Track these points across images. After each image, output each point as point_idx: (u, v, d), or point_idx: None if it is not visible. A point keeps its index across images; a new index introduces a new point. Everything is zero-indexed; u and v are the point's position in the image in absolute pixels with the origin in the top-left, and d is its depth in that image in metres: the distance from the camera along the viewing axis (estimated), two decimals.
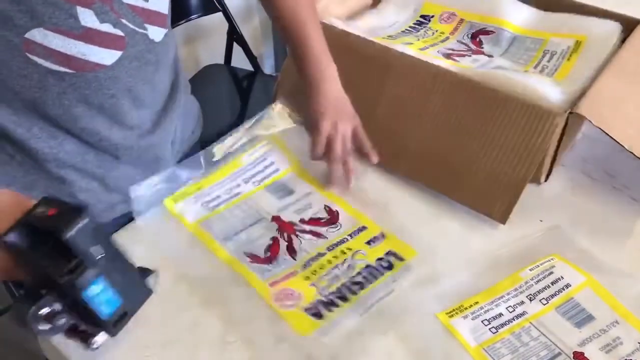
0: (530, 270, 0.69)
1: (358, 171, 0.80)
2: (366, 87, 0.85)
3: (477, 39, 0.96)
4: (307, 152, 0.80)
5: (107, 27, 0.63)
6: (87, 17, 0.61)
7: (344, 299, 0.66)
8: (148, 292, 0.59)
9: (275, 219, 0.75)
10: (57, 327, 0.54)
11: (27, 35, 0.59)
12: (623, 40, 0.86)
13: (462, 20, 0.99)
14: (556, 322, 0.63)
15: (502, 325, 0.63)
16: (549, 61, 0.88)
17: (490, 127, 0.76)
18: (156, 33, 0.70)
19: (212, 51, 1.71)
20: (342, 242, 0.72)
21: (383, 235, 0.73)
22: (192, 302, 0.67)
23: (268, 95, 0.98)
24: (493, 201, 0.75)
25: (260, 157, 0.84)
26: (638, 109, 0.78)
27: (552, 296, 0.66)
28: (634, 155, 0.72)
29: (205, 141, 0.74)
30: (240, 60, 1.64)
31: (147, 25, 0.68)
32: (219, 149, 0.82)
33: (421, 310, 0.65)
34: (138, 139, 0.75)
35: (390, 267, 0.69)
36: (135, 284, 0.58)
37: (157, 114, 0.77)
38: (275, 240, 0.73)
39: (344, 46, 0.88)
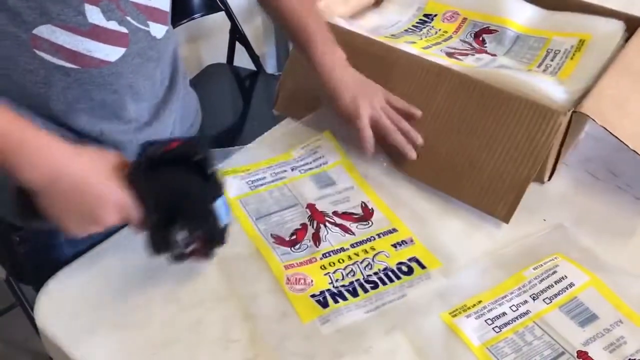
0: (534, 269, 0.69)
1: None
2: None
3: (480, 38, 0.96)
4: (357, 146, 0.80)
5: (112, 25, 0.64)
6: (94, 15, 0.62)
7: (354, 294, 0.66)
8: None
9: (309, 206, 0.77)
10: (186, 251, 0.61)
11: (35, 32, 0.60)
12: (627, 39, 0.86)
13: (465, 19, 0.99)
14: (560, 322, 0.63)
15: (506, 324, 0.63)
16: (552, 60, 0.88)
17: (494, 126, 0.76)
18: (158, 30, 0.71)
19: (214, 50, 1.71)
20: (368, 240, 0.73)
21: (412, 241, 0.73)
22: (201, 296, 0.67)
23: (270, 94, 0.98)
24: (496, 200, 0.75)
25: (311, 150, 0.86)
26: None
27: (556, 295, 0.66)
28: (638, 154, 0.72)
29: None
30: (242, 60, 1.64)
31: (149, 23, 0.69)
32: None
33: (424, 309, 0.65)
34: (136, 132, 0.75)
35: (409, 272, 0.69)
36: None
37: (155, 107, 0.78)
38: (303, 226, 0.74)
39: (347, 45, 0.88)
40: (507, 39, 0.94)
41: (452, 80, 0.79)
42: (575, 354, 0.60)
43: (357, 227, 0.75)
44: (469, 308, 0.65)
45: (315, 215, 0.76)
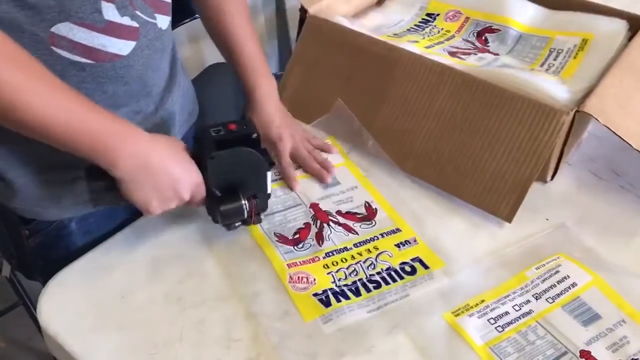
0: (537, 269, 0.69)
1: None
2: (372, 85, 0.85)
3: (483, 37, 0.95)
4: (359, 147, 0.85)
5: (126, 20, 0.66)
6: (110, 11, 0.64)
7: (356, 293, 0.66)
8: None
9: (313, 205, 0.77)
10: (246, 217, 0.69)
11: (53, 29, 0.61)
12: (630, 39, 0.86)
13: (467, 19, 0.99)
14: (563, 321, 0.63)
15: (509, 323, 0.63)
16: (555, 59, 0.88)
17: (497, 126, 0.76)
18: (163, 21, 0.73)
19: (216, 50, 1.70)
20: (372, 240, 0.73)
21: (415, 241, 0.73)
22: (204, 295, 0.67)
23: None
24: (499, 200, 0.75)
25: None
26: None
27: (559, 295, 0.66)
28: None
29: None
30: None
31: (156, 15, 0.71)
32: None
33: (427, 309, 0.65)
34: (143, 121, 0.77)
35: (412, 272, 0.69)
36: None
37: (160, 95, 0.79)
38: (307, 225, 0.75)
39: (349, 44, 0.88)
40: (509, 38, 0.94)
41: (454, 80, 0.79)
42: (578, 354, 0.60)
43: (360, 226, 0.75)
44: (471, 307, 0.65)
45: (319, 215, 0.76)
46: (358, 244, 0.72)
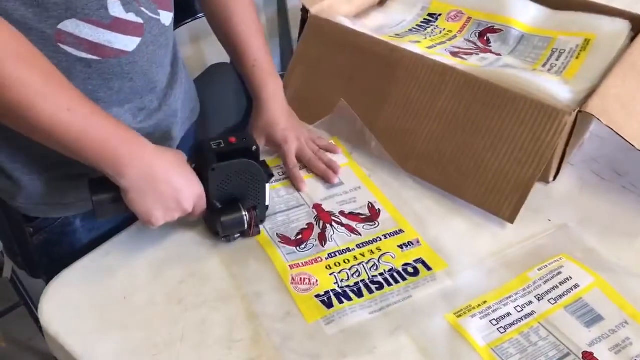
0: (539, 270, 0.69)
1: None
2: (373, 86, 0.85)
3: (485, 37, 0.95)
4: (362, 148, 0.85)
5: (131, 16, 0.66)
6: (116, 8, 0.64)
7: (358, 294, 0.66)
8: None
9: (316, 206, 0.77)
10: (246, 229, 0.70)
11: (60, 26, 0.61)
12: (632, 39, 0.86)
13: (469, 19, 0.98)
14: (565, 322, 0.63)
15: (511, 325, 0.63)
16: (557, 60, 0.88)
17: (499, 126, 0.76)
18: (166, 17, 0.73)
19: (218, 50, 1.70)
20: (374, 241, 0.73)
21: (418, 242, 0.73)
22: (205, 295, 0.67)
23: None
24: (501, 200, 0.75)
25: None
26: None
27: (561, 296, 0.66)
28: None
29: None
30: None
31: (159, 11, 0.71)
32: None
33: (429, 310, 0.65)
34: (147, 118, 0.77)
35: (415, 273, 0.69)
36: None
37: (163, 92, 0.79)
38: (310, 225, 0.75)
39: (351, 45, 0.88)
40: (511, 39, 0.94)
41: (456, 80, 0.79)
42: (581, 355, 0.60)
43: (363, 227, 0.75)
44: (473, 308, 0.65)
45: (322, 216, 0.76)
46: (361, 245, 0.72)
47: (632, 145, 0.71)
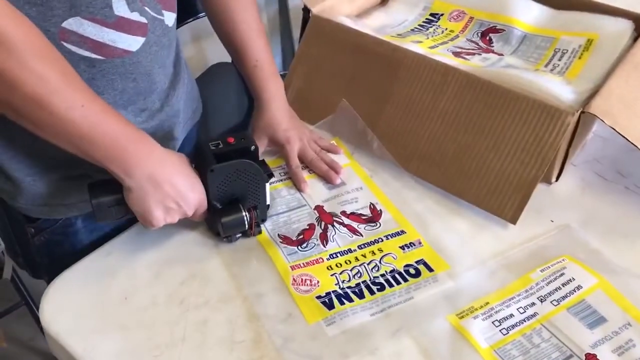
0: (541, 271, 0.68)
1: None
2: (375, 86, 0.85)
3: (487, 37, 0.95)
4: (363, 148, 0.85)
5: (135, 16, 0.66)
6: (120, 6, 0.64)
7: (360, 295, 0.66)
8: None
9: (318, 207, 0.77)
10: (247, 229, 0.70)
11: (64, 25, 0.61)
12: (635, 39, 0.86)
13: (471, 19, 0.98)
14: (568, 324, 0.63)
15: (513, 326, 0.63)
16: (560, 60, 0.87)
17: (501, 126, 0.75)
18: (170, 18, 0.73)
19: (219, 49, 1.70)
20: (376, 241, 0.73)
21: (420, 243, 0.72)
22: (207, 296, 0.67)
23: None
24: (503, 201, 0.74)
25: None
26: None
27: (564, 298, 0.65)
28: None
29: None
30: None
31: (163, 12, 0.71)
32: None
33: (431, 311, 0.65)
34: (149, 118, 0.77)
35: (416, 275, 0.68)
36: None
37: (165, 92, 0.79)
38: (311, 225, 0.75)
39: (353, 45, 0.87)
40: (514, 39, 0.93)
41: (458, 80, 0.79)
42: (584, 357, 0.60)
43: (365, 228, 0.74)
44: (476, 310, 0.65)
45: (323, 217, 0.76)
46: (362, 246, 0.72)
47: (635, 146, 0.71)
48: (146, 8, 0.67)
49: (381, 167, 0.83)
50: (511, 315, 0.64)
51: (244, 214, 0.69)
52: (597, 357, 0.60)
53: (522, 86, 0.77)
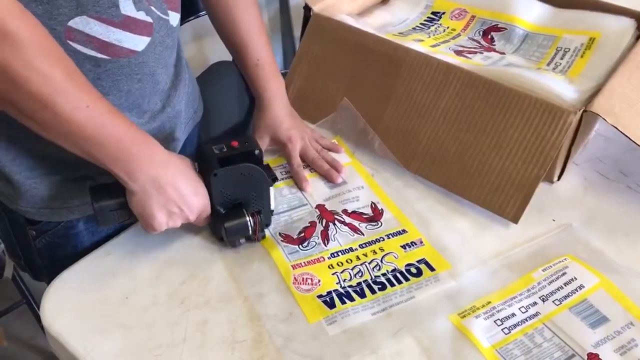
0: (543, 270, 0.68)
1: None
2: (377, 84, 0.85)
3: (489, 36, 0.95)
4: (365, 147, 0.84)
5: (141, 15, 0.66)
6: (127, 6, 0.64)
7: (361, 295, 0.66)
8: None
9: (319, 206, 0.77)
10: (250, 234, 0.69)
11: (70, 24, 0.61)
12: (638, 37, 0.85)
13: (473, 17, 0.98)
14: (570, 323, 0.63)
15: (515, 325, 0.63)
16: (562, 58, 0.87)
17: (503, 125, 0.75)
18: (174, 18, 0.73)
19: (220, 48, 1.70)
20: (377, 240, 0.72)
21: (421, 242, 0.72)
22: (207, 296, 0.66)
23: None
24: (505, 200, 0.74)
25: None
26: None
27: (566, 297, 0.65)
28: None
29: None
30: None
31: (169, 12, 0.71)
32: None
33: (433, 311, 0.64)
34: (151, 119, 0.76)
35: (418, 274, 0.68)
36: None
37: (166, 93, 0.79)
38: (312, 224, 0.74)
39: (354, 43, 0.87)
40: (516, 37, 0.93)
41: (460, 79, 0.79)
42: (586, 357, 0.60)
43: (366, 227, 0.74)
44: (477, 309, 0.64)
45: (325, 215, 0.76)
46: (363, 245, 0.72)
47: (638, 145, 0.71)
48: (153, 8, 0.67)
49: (382, 166, 0.83)
50: (513, 315, 0.64)
51: (247, 219, 0.68)
52: (600, 356, 0.59)
53: (524, 85, 0.76)
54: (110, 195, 0.65)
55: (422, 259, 0.70)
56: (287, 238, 0.72)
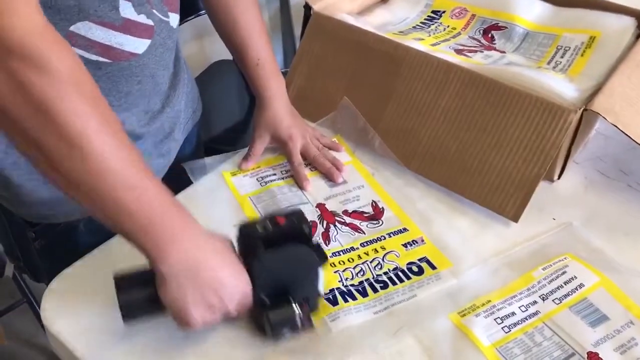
0: (543, 269, 0.68)
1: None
2: (377, 83, 0.85)
3: (489, 35, 0.95)
4: (365, 146, 0.84)
5: (142, 18, 0.66)
6: (127, 9, 0.64)
7: (363, 294, 0.66)
8: None
9: (319, 205, 0.77)
10: (295, 328, 0.59)
11: (72, 29, 0.61)
12: (638, 36, 0.85)
13: (473, 16, 0.98)
14: (570, 322, 0.63)
15: (515, 324, 0.63)
16: (562, 57, 0.87)
17: (503, 124, 0.75)
18: (174, 20, 0.73)
19: (220, 47, 1.70)
20: (378, 239, 0.72)
21: (422, 241, 0.72)
22: None
23: None
24: (505, 199, 0.74)
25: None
26: None
27: (566, 296, 0.65)
28: None
29: (212, 137, 0.75)
30: None
31: (169, 13, 0.71)
32: None
33: (434, 309, 0.65)
34: (151, 120, 0.77)
35: (419, 272, 0.68)
36: None
37: (165, 93, 0.79)
38: (313, 223, 0.74)
39: (354, 42, 0.87)
40: (516, 36, 0.93)
41: (460, 78, 0.79)
42: (586, 356, 0.60)
43: (367, 226, 0.74)
44: (478, 308, 0.64)
45: (325, 216, 0.76)
46: (365, 244, 0.72)
47: (638, 144, 0.71)
48: (154, 10, 0.67)
49: (383, 164, 0.83)
50: (513, 314, 0.64)
51: (295, 309, 0.58)
52: (599, 355, 0.60)
53: (524, 84, 0.76)
54: (139, 286, 0.57)
55: (424, 257, 0.70)
56: None
